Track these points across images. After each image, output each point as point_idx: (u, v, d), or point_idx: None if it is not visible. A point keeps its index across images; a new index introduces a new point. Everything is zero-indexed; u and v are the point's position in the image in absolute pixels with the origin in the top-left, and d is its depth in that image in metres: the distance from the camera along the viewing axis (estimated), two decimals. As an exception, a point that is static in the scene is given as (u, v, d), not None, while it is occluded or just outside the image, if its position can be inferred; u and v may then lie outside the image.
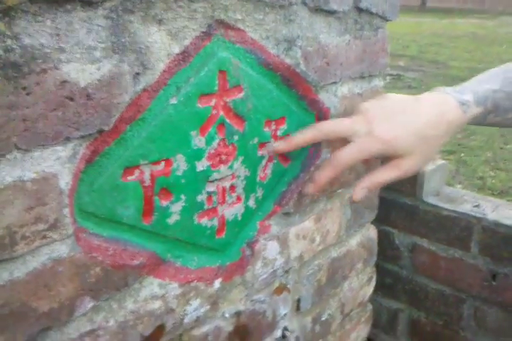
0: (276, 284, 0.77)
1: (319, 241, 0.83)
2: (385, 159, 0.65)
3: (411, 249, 1.17)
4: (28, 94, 0.40)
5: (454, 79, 5.40)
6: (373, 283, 1.07)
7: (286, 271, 0.78)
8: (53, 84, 0.41)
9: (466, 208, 1.10)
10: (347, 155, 0.61)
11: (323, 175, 0.63)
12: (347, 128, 0.62)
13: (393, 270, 1.22)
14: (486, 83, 0.67)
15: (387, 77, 5.68)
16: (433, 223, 1.12)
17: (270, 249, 0.73)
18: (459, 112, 0.63)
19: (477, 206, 1.12)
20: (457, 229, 1.09)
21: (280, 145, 0.68)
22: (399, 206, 1.18)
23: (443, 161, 1.20)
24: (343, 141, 0.63)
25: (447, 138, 0.64)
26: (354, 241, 0.94)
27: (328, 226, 0.84)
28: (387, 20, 0.85)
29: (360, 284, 1.00)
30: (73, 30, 0.42)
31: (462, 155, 3.73)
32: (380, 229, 1.22)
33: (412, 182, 1.14)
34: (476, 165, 3.52)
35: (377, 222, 1.19)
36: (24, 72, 0.39)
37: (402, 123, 0.61)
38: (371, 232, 1.01)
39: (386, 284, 1.22)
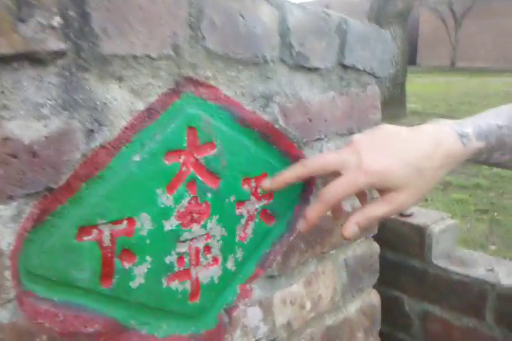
0: (261, 355, 0.71)
1: (310, 308, 0.78)
2: (380, 193, 0.61)
3: (422, 316, 1.09)
4: (-35, 150, 0.39)
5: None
6: (379, 354, 0.99)
7: (272, 341, 0.72)
8: (-6, 141, 0.41)
9: (478, 272, 1.03)
10: (334, 189, 0.57)
11: (313, 211, 0.58)
12: (334, 161, 0.59)
13: (404, 340, 1.13)
14: (491, 118, 0.63)
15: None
16: (444, 288, 1.05)
17: (251, 315, 0.68)
18: (458, 144, 0.59)
19: (491, 270, 1.04)
20: (470, 295, 1.01)
21: (266, 184, 0.64)
22: (408, 269, 1.12)
23: (453, 221, 1.15)
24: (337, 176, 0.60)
25: (445, 170, 0.59)
26: (353, 308, 0.88)
27: (320, 291, 0.79)
28: (376, 77, 0.84)
29: (363, 355, 0.92)
30: (20, 88, 0.42)
31: (496, 214, 3.59)
32: (389, 295, 1.14)
33: (419, 243, 1.08)
34: (511, 225, 3.38)
35: (385, 286, 1.12)
36: (-39, 129, 0.39)
37: (393, 153, 0.57)
38: (373, 298, 0.94)
39: (397, 356, 1.13)
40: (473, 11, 17.93)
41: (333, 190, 0.57)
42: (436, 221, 1.11)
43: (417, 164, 0.57)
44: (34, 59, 0.43)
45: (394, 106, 6.93)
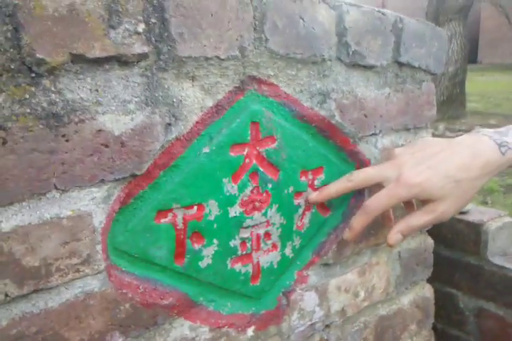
0: (317, 338, 0.75)
1: (364, 297, 0.81)
2: (422, 203, 0.64)
3: (477, 313, 1.09)
4: (67, 140, 0.46)
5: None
6: (432, 347, 1.00)
7: (327, 326, 0.76)
8: (90, 133, 0.47)
9: (536, 270, 1.02)
10: (377, 201, 0.62)
11: (358, 222, 0.64)
12: (377, 175, 0.64)
13: (459, 336, 1.13)
14: None
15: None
16: (500, 285, 1.04)
17: (308, 300, 0.72)
18: (497, 154, 0.61)
19: (550, 268, 1.03)
20: (527, 292, 1.01)
21: (313, 197, 0.69)
22: (463, 266, 1.12)
23: (510, 219, 1.14)
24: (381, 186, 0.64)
25: (484, 180, 0.62)
26: (406, 300, 0.90)
27: (374, 281, 0.82)
28: (432, 74, 0.87)
29: (416, 347, 0.94)
30: (111, 86, 0.48)
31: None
32: (444, 291, 1.15)
33: (475, 240, 1.09)
34: None
35: (440, 282, 1.13)
36: (64, 122, 0.45)
37: (432, 166, 0.61)
38: (426, 291, 0.96)
39: (451, 351, 1.13)
40: (539, 5, 17.07)
41: (375, 202, 0.62)
42: (492, 218, 1.11)
43: (454, 175, 0.60)
44: (122, 61, 0.49)
45: (453, 106, 6.73)
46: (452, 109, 6.66)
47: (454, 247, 1.13)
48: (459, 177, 0.60)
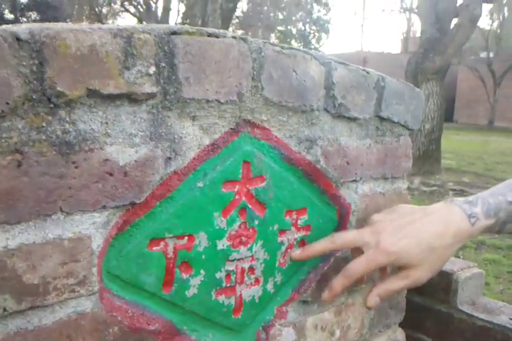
0: (292, 375, 0.77)
1: (339, 336, 0.83)
2: (398, 269, 0.69)
3: (447, 360, 1.11)
4: (76, 167, 0.50)
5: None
6: None
7: (303, 363, 0.78)
8: (97, 161, 0.51)
9: (502, 319, 1.06)
10: (356, 266, 0.66)
11: (338, 284, 0.68)
12: (357, 240, 0.69)
13: (429, 383, 1.14)
14: (501, 194, 0.69)
15: (450, 192, 5.62)
16: (468, 333, 1.08)
17: (286, 335, 0.75)
18: (467, 224, 0.66)
19: (515, 318, 1.07)
20: (494, 341, 1.04)
21: (296, 254, 0.73)
22: (434, 313, 1.15)
23: (479, 270, 1.19)
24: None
25: (455, 248, 0.67)
26: (379, 342, 0.93)
27: (349, 321, 0.85)
28: (409, 129, 0.94)
29: (387, 391, 0.96)
30: (120, 121, 0.53)
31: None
32: (415, 337, 1.18)
33: (445, 289, 1.13)
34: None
35: (411, 328, 1.16)
36: (75, 150, 0.50)
37: (408, 234, 0.66)
38: (398, 335, 0.99)
39: None
40: (512, 71, 18.03)
41: (356, 267, 0.67)
42: (462, 268, 1.16)
43: (429, 243, 0.66)
44: (132, 98, 0.54)
45: (429, 162, 6.94)
46: (428, 165, 6.87)
47: (425, 295, 1.17)
48: (433, 244, 0.65)
